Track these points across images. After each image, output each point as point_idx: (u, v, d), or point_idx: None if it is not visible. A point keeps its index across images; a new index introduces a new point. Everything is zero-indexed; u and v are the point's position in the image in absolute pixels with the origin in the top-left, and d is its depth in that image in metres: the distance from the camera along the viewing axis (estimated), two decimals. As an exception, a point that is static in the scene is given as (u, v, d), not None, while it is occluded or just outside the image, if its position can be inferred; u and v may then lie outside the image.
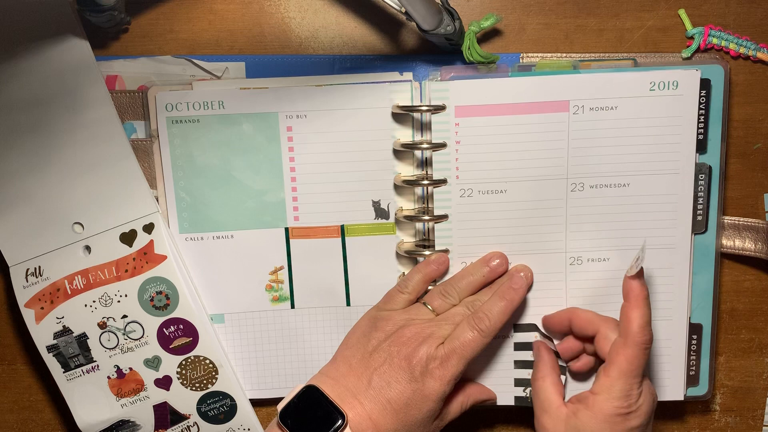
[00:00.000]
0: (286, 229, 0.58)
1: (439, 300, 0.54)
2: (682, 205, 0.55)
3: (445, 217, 0.56)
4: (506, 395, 0.58)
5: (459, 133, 0.54)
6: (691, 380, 0.58)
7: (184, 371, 0.58)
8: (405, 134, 0.57)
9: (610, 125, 0.54)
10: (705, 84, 0.54)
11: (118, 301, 0.57)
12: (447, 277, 0.56)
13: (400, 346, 0.51)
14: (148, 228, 0.57)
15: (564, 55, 0.57)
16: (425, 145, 0.55)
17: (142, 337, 0.57)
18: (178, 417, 0.59)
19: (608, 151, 0.55)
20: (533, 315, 0.57)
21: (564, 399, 0.53)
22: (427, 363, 0.50)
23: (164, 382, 0.58)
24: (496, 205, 0.55)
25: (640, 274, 0.50)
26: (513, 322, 0.57)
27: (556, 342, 0.56)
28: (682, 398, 0.58)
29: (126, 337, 0.57)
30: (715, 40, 0.57)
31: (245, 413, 0.59)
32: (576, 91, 0.54)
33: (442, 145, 0.55)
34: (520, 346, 0.57)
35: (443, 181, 0.55)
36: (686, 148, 0.54)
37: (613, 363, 0.50)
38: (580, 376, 0.57)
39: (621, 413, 0.49)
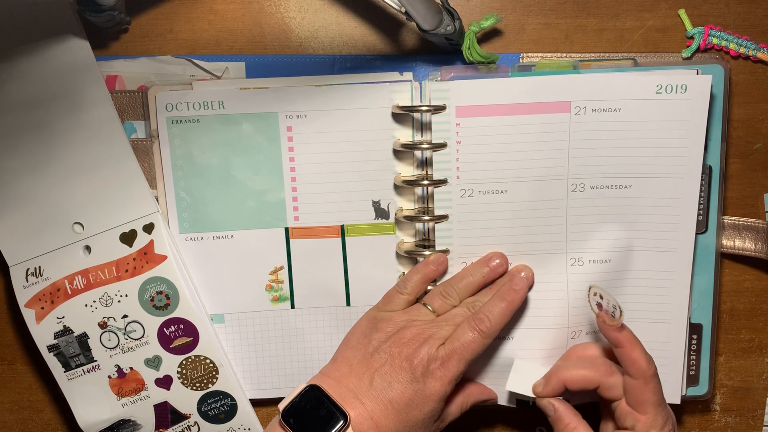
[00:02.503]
0: (286, 229, 0.58)
1: (439, 301, 0.54)
2: (686, 209, 0.55)
3: (445, 217, 0.56)
4: (508, 397, 0.58)
5: (460, 133, 0.54)
6: (691, 380, 0.58)
7: (184, 371, 0.58)
8: (405, 134, 0.56)
9: (612, 127, 0.54)
10: (705, 84, 0.54)
11: (119, 301, 0.57)
12: (447, 277, 0.56)
13: (401, 346, 0.51)
14: (148, 228, 0.57)
15: (564, 55, 0.57)
16: (425, 145, 0.55)
17: (142, 336, 0.57)
18: (178, 416, 0.59)
19: (610, 153, 0.54)
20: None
21: None
22: (428, 363, 0.51)
23: (165, 382, 0.58)
24: (496, 205, 0.55)
25: (622, 326, 0.51)
26: (514, 323, 0.57)
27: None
28: (680, 399, 0.58)
29: (126, 336, 0.57)
30: (715, 40, 0.56)
31: (245, 413, 0.59)
32: (578, 92, 0.53)
33: (443, 145, 0.55)
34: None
35: (443, 181, 0.55)
36: (693, 152, 0.54)
37: (644, 402, 0.51)
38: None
39: None
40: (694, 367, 0.58)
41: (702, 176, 0.55)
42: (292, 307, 0.59)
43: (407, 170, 0.57)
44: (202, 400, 0.59)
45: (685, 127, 0.54)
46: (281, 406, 0.51)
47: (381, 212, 0.57)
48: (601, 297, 0.52)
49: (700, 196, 0.56)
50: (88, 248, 0.57)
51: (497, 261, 0.55)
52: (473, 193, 0.55)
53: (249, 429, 0.60)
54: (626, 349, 0.51)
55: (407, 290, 0.55)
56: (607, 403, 0.54)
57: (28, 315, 0.57)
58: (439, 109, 0.54)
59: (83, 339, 0.57)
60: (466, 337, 0.51)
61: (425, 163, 0.57)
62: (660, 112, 0.53)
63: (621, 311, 0.50)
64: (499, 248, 0.56)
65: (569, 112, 0.54)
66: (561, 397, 0.54)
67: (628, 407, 0.51)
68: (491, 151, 0.54)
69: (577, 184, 0.55)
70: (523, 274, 0.55)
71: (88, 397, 0.58)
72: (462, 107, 0.54)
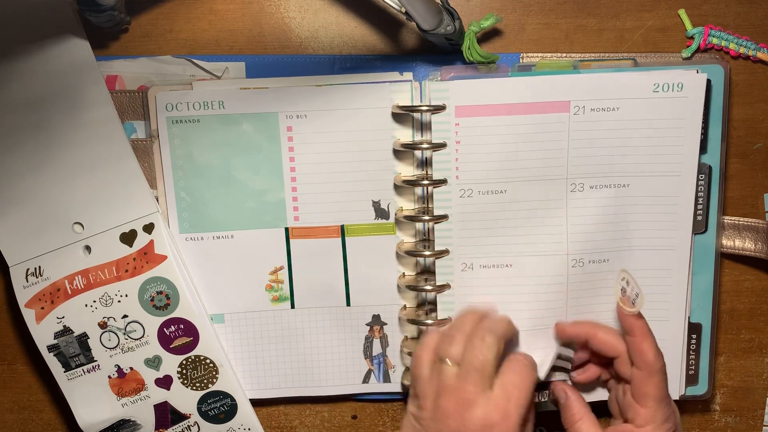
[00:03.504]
0: (286, 229, 0.58)
1: (452, 349, 0.50)
2: (683, 207, 0.55)
3: (445, 217, 0.56)
4: None
5: (459, 133, 0.54)
6: (691, 379, 0.58)
7: (184, 371, 0.58)
8: (405, 134, 0.56)
9: (611, 126, 0.54)
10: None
11: (119, 301, 0.57)
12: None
13: (445, 420, 0.48)
14: (148, 228, 0.57)
15: (564, 55, 0.57)
16: (425, 145, 0.55)
17: (142, 336, 0.57)
18: (178, 416, 0.59)
19: (609, 152, 0.54)
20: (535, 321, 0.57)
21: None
22: (483, 423, 0.47)
23: (165, 382, 0.58)
24: (496, 205, 0.55)
25: (638, 312, 0.52)
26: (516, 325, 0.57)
27: (573, 353, 0.56)
28: (678, 396, 0.58)
29: (126, 336, 0.57)
30: (715, 40, 0.56)
31: (245, 413, 0.59)
32: (577, 92, 0.53)
33: (442, 145, 0.55)
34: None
35: (443, 181, 0.55)
36: (689, 150, 0.54)
37: (646, 395, 0.50)
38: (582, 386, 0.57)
39: None
40: (693, 367, 0.58)
41: (702, 176, 0.55)
42: (292, 307, 0.59)
43: (407, 170, 0.57)
44: (202, 400, 0.59)
45: (682, 125, 0.54)
46: None
47: (381, 212, 0.57)
48: (627, 283, 0.52)
49: (700, 196, 0.56)
50: (88, 248, 0.57)
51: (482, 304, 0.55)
52: (473, 193, 0.55)
53: (249, 429, 0.60)
54: (637, 339, 0.51)
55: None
56: (614, 401, 0.54)
57: (28, 315, 0.57)
58: (438, 109, 0.54)
59: (83, 339, 0.57)
60: (515, 378, 0.49)
61: (425, 163, 0.57)
62: (657, 111, 0.53)
63: (642, 300, 0.51)
64: (499, 248, 0.56)
65: (568, 111, 0.54)
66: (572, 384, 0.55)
67: (632, 398, 0.52)
68: (491, 151, 0.54)
69: (576, 183, 0.55)
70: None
71: (88, 397, 0.58)
72: (461, 107, 0.54)
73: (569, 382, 0.57)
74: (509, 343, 0.52)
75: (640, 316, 0.51)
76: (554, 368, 0.57)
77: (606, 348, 0.53)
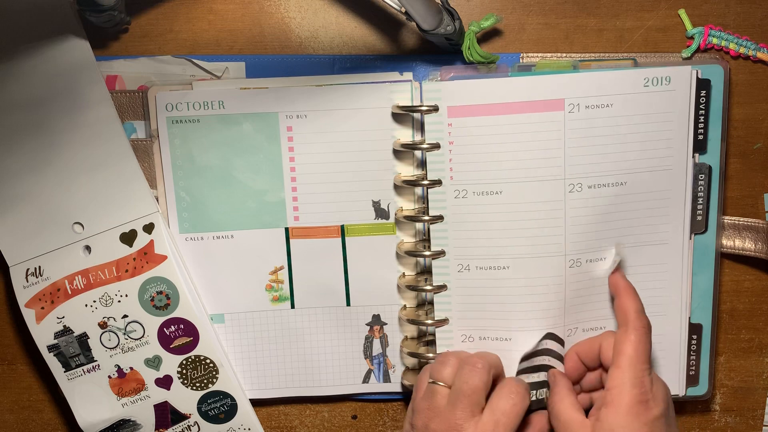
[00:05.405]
0: (286, 229, 0.58)
1: (444, 371, 0.52)
2: (675, 201, 0.55)
3: (440, 218, 0.56)
4: None
5: (452, 134, 0.54)
6: (691, 380, 0.58)
7: (184, 371, 0.58)
8: (405, 134, 0.57)
9: (605, 123, 0.54)
10: (705, 84, 0.54)
11: (119, 301, 0.57)
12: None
13: None
14: (148, 228, 0.57)
15: (564, 55, 0.57)
16: (425, 146, 0.55)
17: (142, 336, 0.58)
18: (178, 416, 0.59)
19: (605, 150, 0.54)
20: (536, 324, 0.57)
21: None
22: None
23: (165, 382, 0.58)
24: (491, 206, 0.55)
25: (618, 269, 0.55)
26: (513, 325, 0.57)
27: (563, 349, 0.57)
28: (679, 397, 0.58)
29: (126, 336, 0.58)
30: (715, 40, 0.56)
31: (245, 413, 0.59)
32: (571, 90, 0.53)
33: (439, 146, 0.55)
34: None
35: (439, 182, 0.55)
36: (679, 143, 0.54)
37: (620, 354, 0.49)
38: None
39: (640, 400, 0.47)
40: (693, 367, 0.58)
41: (702, 176, 0.55)
42: (292, 307, 0.59)
43: (407, 170, 0.57)
44: (202, 400, 0.59)
45: (671, 119, 0.54)
46: None
47: (381, 212, 0.58)
48: (617, 254, 0.55)
49: (700, 196, 0.56)
50: (88, 248, 0.57)
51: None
52: (467, 194, 0.55)
53: (249, 429, 0.60)
54: (620, 298, 0.52)
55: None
56: None
57: (28, 315, 0.57)
58: (435, 109, 0.54)
59: (83, 339, 0.57)
60: (505, 405, 0.49)
61: (425, 163, 0.57)
62: (648, 105, 0.53)
63: (620, 252, 0.54)
64: (495, 249, 0.56)
65: (563, 110, 0.54)
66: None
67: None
68: (484, 152, 0.54)
69: (574, 184, 0.55)
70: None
71: (88, 397, 0.58)
72: (453, 107, 0.54)
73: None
74: (498, 376, 0.53)
75: (620, 273, 0.53)
76: (544, 366, 0.57)
77: (588, 347, 0.53)
